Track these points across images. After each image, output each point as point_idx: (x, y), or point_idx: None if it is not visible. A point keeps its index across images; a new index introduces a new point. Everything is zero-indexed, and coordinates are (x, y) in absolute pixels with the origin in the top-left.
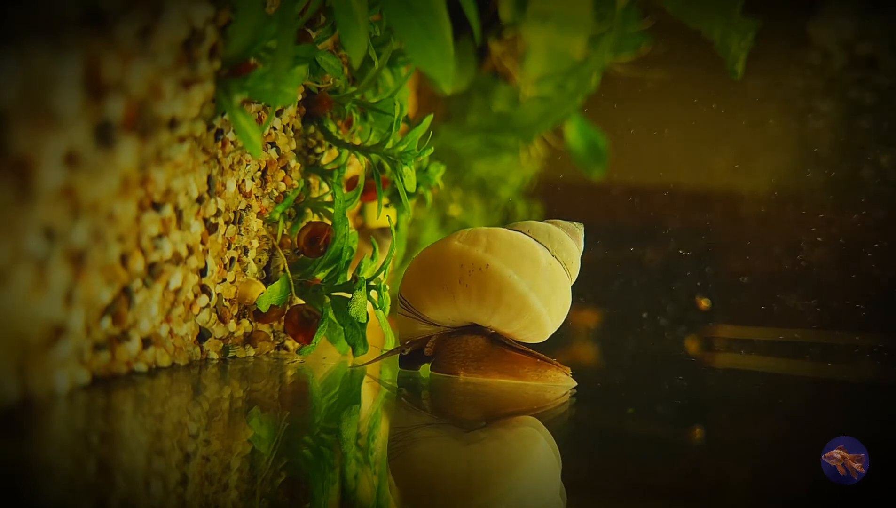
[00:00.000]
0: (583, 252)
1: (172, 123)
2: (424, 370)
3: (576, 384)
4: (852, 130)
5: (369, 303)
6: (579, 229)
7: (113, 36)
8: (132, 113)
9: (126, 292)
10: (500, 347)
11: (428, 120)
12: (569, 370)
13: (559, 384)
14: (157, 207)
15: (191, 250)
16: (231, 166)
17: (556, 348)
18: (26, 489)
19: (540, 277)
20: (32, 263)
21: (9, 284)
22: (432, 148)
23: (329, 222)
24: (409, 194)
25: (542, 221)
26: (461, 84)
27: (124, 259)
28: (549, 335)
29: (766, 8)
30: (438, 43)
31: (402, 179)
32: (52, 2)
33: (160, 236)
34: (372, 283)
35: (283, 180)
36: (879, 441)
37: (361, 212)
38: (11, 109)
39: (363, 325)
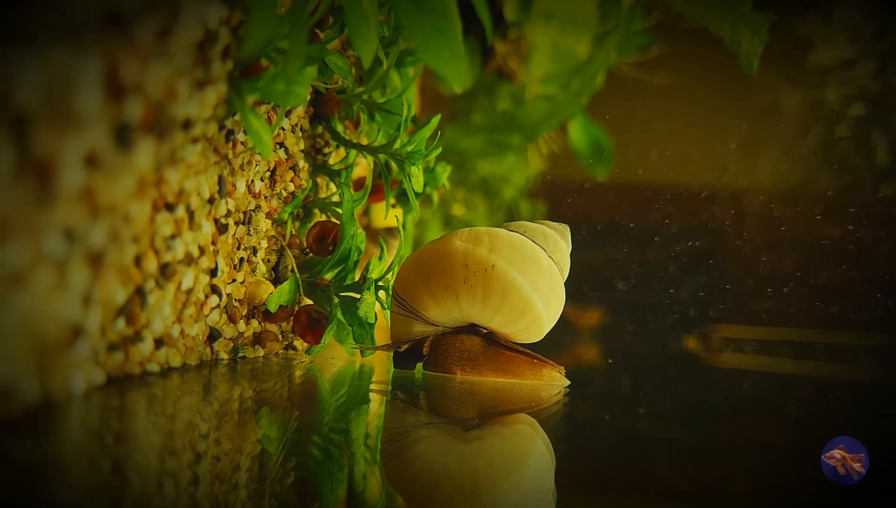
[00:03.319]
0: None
1: (186, 124)
2: (417, 369)
3: (569, 382)
4: (856, 129)
5: (377, 303)
6: (567, 230)
7: (132, 37)
8: (150, 114)
9: (140, 293)
10: (496, 346)
11: (436, 120)
12: (562, 368)
13: (553, 382)
14: (170, 207)
15: (202, 251)
16: (241, 167)
17: (554, 348)
18: (46, 490)
19: (542, 278)
20: (53, 264)
21: (30, 285)
22: (440, 148)
23: (337, 222)
24: (417, 194)
25: (535, 221)
26: (466, 83)
27: (138, 260)
28: (545, 334)
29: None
30: (450, 42)
31: (409, 180)
32: (73, 3)
33: (173, 237)
34: (380, 283)
35: (291, 181)
36: (881, 441)
37: (366, 212)
38: (34, 110)
39: (371, 325)
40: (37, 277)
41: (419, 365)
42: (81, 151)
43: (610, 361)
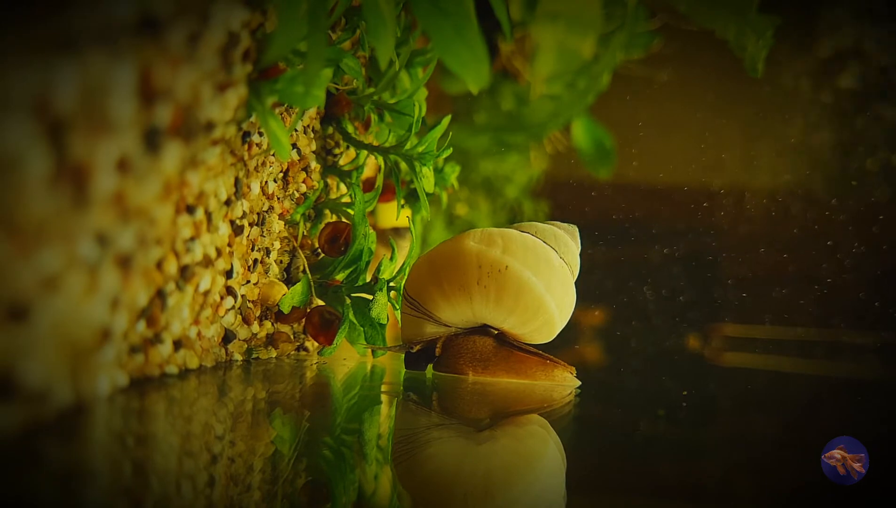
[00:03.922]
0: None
1: (208, 127)
2: (428, 369)
3: (580, 383)
4: (857, 128)
5: (388, 304)
6: (575, 231)
7: (165, 43)
8: (177, 118)
9: (160, 295)
10: (508, 347)
11: (446, 121)
12: (574, 369)
13: (565, 383)
14: (190, 210)
15: (219, 253)
16: (256, 168)
17: (556, 347)
18: (78, 493)
19: (554, 278)
20: (86, 268)
21: (64, 289)
22: (451, 149)
23: (348, 222)
24: (428, 195)
25: (544, 222)
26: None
27: (159, 262)
28: (556, 335)
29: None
30: (470, 44)
31: (420, 180)
32: (111, 9)
33: (192, 239)
34: (392, 284)
35: (303, 182)
36: (882, 440)
37: (373, 212)
38: (72, 116)
39: (383, 326)
40: (70, 281)
41: (430, 366)
42: (114, 155)
43: (622, 370)
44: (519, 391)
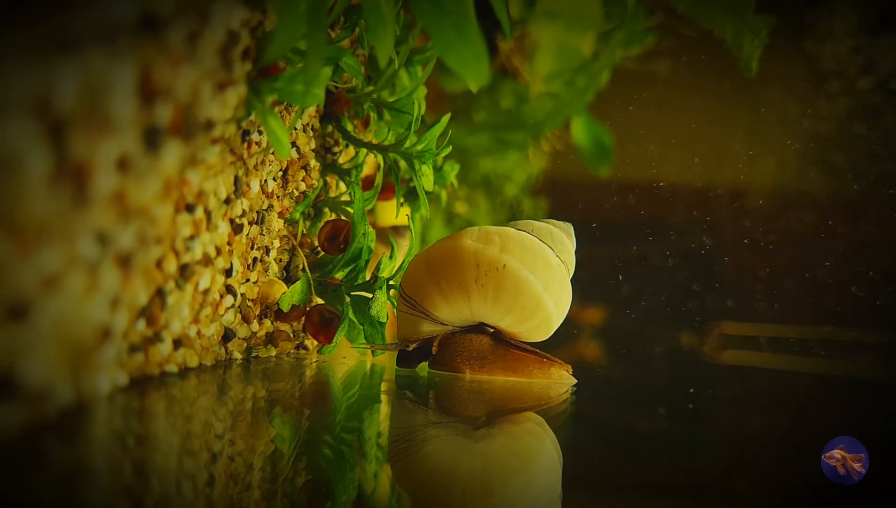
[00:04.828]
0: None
1: (208, 126)
2: (422, 368)
3: (576, 381)
4: (857, 126)
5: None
6: (571, 229)
7: (165, 42)
8: (178, 117)
9: (160, 294)
10: (505, 346)
11: (446, 119)
12: (570, 367)
13: (562, 381)
14: (190, 208)
15: (218, 251)
16: (255, 167)
17: (554, 345)
18: (79, 494)
19: (552, 277)
20: (86, 267)
21: (65, 288)
22: (450, 147)
23: (348, 220)
24: (427, 193)
25: (540, 220)
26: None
27: (159, 261)
28: (552, 333)
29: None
30: (471, 43)
31: (420, 178)
32: (110, 8)
33: (192, 238)
34: (391, 282)
35: (303, 180)
36: (882, 440)
37: (372, 211)
38: (72, 116)
39: (383, 325)
40: (71, 280)
41: (424, 364)
42: (114, 154)
43: (599, 370)
44: (516, 390)
